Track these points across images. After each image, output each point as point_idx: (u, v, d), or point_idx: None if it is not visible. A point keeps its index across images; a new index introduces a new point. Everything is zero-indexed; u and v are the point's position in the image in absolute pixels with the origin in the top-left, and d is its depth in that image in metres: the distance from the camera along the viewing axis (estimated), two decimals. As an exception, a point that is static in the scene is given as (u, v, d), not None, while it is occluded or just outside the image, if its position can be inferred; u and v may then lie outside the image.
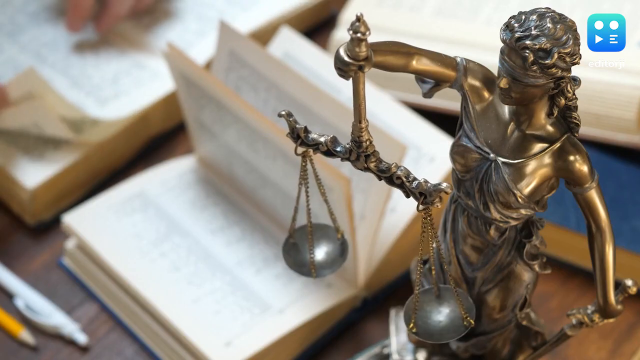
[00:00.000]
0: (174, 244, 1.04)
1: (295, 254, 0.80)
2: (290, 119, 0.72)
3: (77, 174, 1.11)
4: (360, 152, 0.70)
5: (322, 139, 0.72)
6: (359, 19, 0.63)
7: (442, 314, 0.75)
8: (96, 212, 1.06)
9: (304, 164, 0.75)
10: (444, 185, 0.68)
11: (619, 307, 0.76)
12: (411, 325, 0.74)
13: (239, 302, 0.99)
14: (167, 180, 1.09)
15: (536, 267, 0.78)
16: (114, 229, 1.04)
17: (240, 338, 0.96)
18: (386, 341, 0.95)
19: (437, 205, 0.69)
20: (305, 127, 0.72)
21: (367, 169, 0.71)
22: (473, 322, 0.74)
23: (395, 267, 1.02)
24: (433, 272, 0.75)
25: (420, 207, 0.70)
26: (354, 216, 0.93)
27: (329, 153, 0.72)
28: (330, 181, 0.89)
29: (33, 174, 1.08)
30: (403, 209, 1.00)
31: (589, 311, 0.77)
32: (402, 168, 0.70)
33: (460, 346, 0.85)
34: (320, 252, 0.80)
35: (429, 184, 0.69)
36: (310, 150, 0.73)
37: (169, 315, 0.97)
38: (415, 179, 0.70)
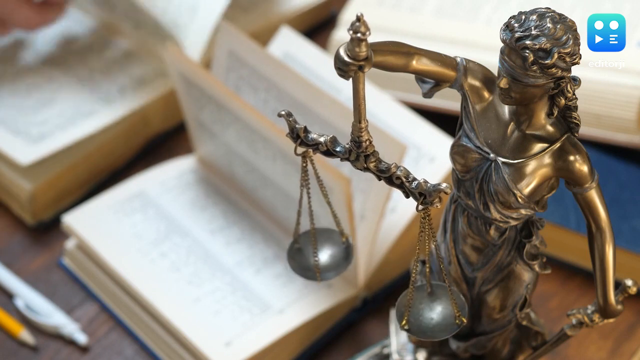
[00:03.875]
0: (174, 244, 1.03)
1: (300, 258, 0.80)
2: (290, 119, 0.71)
3: (77, 174, 1.11)
4: (360, 152, 0.70)
5: (321, 139, 0.72)
6: (359, 19, 0.63)
7: (434, 312, 0.75)
8: (96, 212, 1.06)
9: (304, 164, 0.75)
10: (444, 185, 0.68)
11: (619, 307, 0.76)
12: (404, 322, 0.74)
13: (238, 302, 0.99)
14: (167, 180, 1.09)
15: (536, 267, 0.78)
16: (114, 229, 1.04)
17: (240, 338, 0.96)
18: (386, 341, 0.95)
19: (437, 206, 0.69)
20: (305, 127, 0.72)
21: (367, 169, 0.71)
22: (465, 321, 0.74)
23: (395, 267, 1.02)
24: (428, 271, 0.75)
25: (420, 207, 0.70)
26: (354, 216, 0.93)
27: (329, 153, 0.72)
28: (330, 181, 0.89)
29: (33, 173, 1.08)
30: (403, 209, 1.00)
31: (589, 311, 0.77)
32: (401, 168, 0.70)
33: (460, 346, 0.85)
34: (325, 256, 0.80)
35: (428, 184, 0.69)
36: (310, 151, 0.73)
37: (169, 315, 0.97)
38: (414, 179, 0.69)
